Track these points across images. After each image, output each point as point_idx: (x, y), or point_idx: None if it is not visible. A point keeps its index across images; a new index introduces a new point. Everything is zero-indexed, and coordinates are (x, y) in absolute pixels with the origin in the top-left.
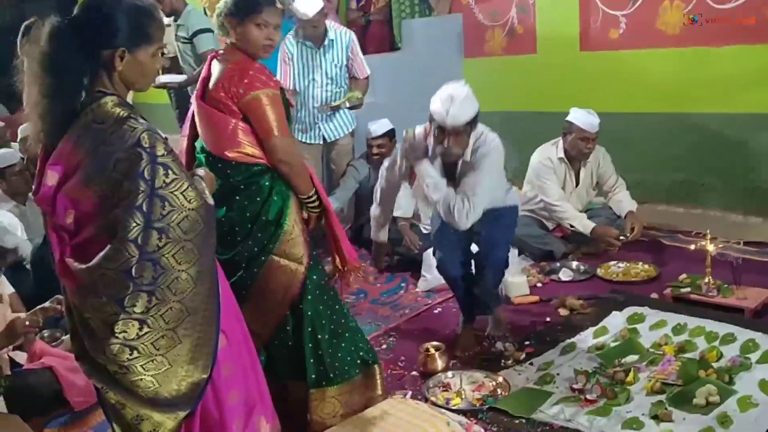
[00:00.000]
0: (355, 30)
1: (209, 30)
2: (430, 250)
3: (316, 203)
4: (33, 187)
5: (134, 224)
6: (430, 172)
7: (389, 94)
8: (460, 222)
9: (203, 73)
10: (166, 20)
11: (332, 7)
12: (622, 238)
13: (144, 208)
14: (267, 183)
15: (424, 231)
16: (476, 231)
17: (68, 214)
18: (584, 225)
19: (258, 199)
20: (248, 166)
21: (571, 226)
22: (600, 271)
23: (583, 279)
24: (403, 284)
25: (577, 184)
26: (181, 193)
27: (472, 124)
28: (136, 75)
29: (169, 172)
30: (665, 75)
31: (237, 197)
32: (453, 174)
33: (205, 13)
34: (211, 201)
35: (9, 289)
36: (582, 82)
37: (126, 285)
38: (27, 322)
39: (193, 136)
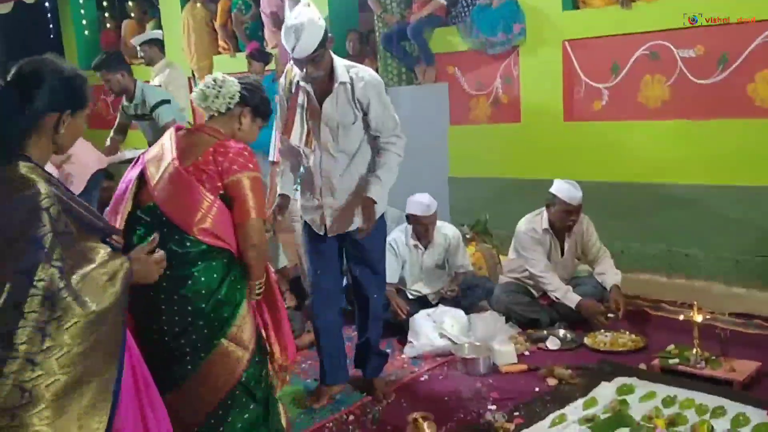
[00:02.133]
0: None
1: (168, 101)
2: (417, 315)
3: (262, 288)
4: None
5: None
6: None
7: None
8: (401, 154)
9: (174, 143)
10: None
11: None
12: (610, 315)
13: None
14: (225, 261)
15: (410, 296)
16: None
17: None
18: (570, 299)
19: (215, 275)
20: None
21: (557, 299)
22: (587, 340)
23: (571, 348)
24: (388, 350)
25: (563, 254)
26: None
27: (321, 48)
28: (71, 137)
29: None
30: (647, 146)
31: (194, 271)
32: (325, 96)
33: (194, 75)
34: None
35: None
36: (566, 151)
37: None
38: None
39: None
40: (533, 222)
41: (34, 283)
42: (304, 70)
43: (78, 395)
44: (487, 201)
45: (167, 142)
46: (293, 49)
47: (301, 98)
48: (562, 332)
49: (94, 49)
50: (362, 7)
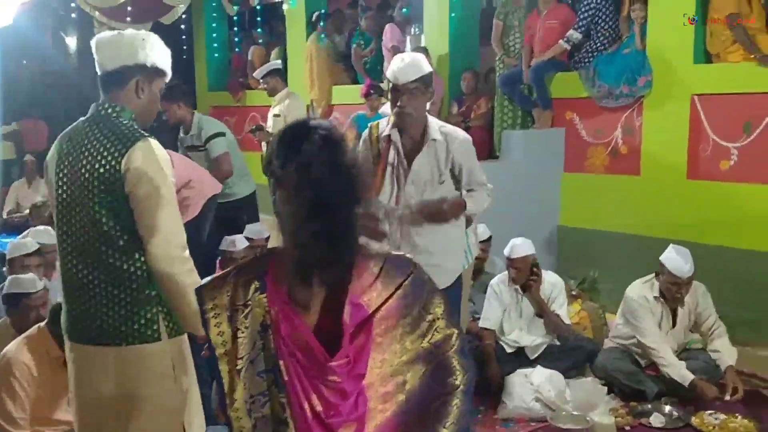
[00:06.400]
0: None
1: (223, 134)
2: (513, 375)
3: None
4: None
5: None
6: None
7: None
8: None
9: None
10: None
11: (434, 110)
12: (726, 398)
13: None
14: None
15: (508, 350)
16: None
17: None
18: (682, 376)
19: None
20: None
21: (668, 375)
22: (694, 421)
23: (676, 427)
24: (481, 408)
25: (674, 324)
26: None
27: (422, 84)
28: None
29: None
30: None
31: None
32: (414, 154)
33: (312, 104)
34: None
35: None
36: (687, 210)
37: None
38: None
39: None
40: (644, 288)
41: None
42: (399, 100)
43: None
44: (597, 254)
45: None
46: (395, 71)
47: (392, 156)
48: (668, 408)
49: (223, 69)
50: (484, 42)
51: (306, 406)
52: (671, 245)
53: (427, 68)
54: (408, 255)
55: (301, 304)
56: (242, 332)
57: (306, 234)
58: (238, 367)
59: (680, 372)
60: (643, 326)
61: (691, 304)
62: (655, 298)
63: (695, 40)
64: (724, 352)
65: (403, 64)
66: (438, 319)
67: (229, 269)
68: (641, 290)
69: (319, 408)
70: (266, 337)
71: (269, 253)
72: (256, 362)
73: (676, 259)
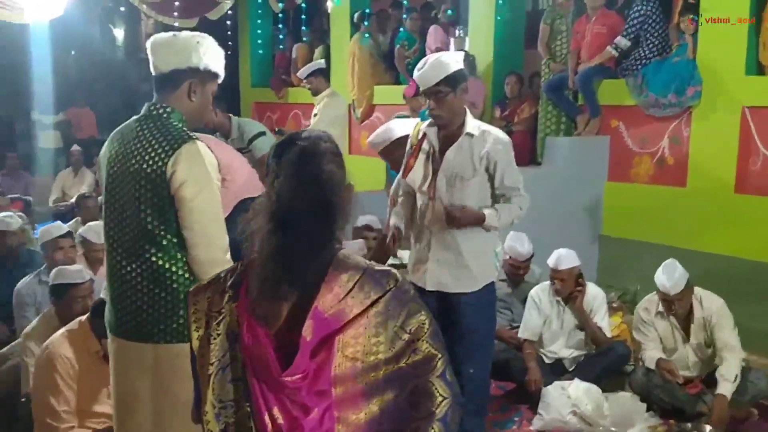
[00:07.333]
0: None
1: (264, 132)
2: (551, 387)
3: None
4: None
5: None
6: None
7: None
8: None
9: None
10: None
11: (476, 114)
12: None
13: None
14: None
15: (546, 360)
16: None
17: None
18: (650, 357)
19: None
20: None
21: (649, 369)
22: None
23: None
24: (516, 418)
25: (688, 338)
26: None
27: (447, 85)
28: None
29: None
30: None
31: None
32: (443, 153)
33: (354, 104)
34: None
35: None
36: (734, 225)
37: None
38: None
39: None
40: (648, 303)
41: None
42: (428, 104)
43: None
44: (639, 266)
45: None
46: (417, 77)
47: (426, 144)
48: (708, 428)
49: (267, 66)
50: (528, 45)
51: (267, 418)
52: (668, 260)
53: (454, 66)
54: (393, 270)
55: (263, 316)
56: (214, 338)
57: (268, 247)
58: (209, 372)
59: (651, 355)
60: (642, 340)
61: (705, 318)
62: (658, 313)
63: (747, 51)
64: (721, 380)
65: (424, 69)
66: (419, 340)
67: (214, 276)
68: (647, 302)
69: (280, 421)
70: (236, 347)
71: (248, 263)
72: (227, 370)
73: (661, 276)
